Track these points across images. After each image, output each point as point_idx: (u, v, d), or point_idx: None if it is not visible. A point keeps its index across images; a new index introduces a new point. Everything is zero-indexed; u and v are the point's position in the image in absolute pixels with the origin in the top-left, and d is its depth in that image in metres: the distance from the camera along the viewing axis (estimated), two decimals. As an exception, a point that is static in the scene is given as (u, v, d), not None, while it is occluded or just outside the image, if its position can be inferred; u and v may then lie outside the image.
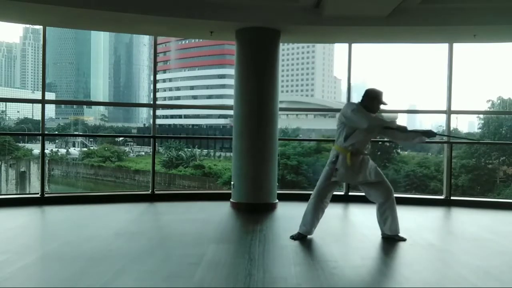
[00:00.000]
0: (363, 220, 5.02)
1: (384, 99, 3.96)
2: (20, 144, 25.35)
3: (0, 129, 31.17)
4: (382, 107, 4.03)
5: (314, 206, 4.03)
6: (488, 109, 18.98)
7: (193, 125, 43.34)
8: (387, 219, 4.09)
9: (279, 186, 6.05)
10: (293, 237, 4.04)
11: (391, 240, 4.06)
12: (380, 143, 20.89)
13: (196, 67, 49.00)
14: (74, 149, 31.80)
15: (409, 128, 4.01)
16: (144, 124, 49.36)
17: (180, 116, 44.82)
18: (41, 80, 5.97)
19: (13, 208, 5.37)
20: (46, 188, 6.86)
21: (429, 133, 3.92)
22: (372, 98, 3.94)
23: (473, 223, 5.11)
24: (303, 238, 4.03)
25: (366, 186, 4.11)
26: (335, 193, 5.08)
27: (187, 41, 46.36)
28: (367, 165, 4.00)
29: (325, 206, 4.09)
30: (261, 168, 5.62)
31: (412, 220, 5.09)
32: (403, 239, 4.05)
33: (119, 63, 74.66)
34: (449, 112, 6.26)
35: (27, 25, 56.94)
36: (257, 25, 5.52)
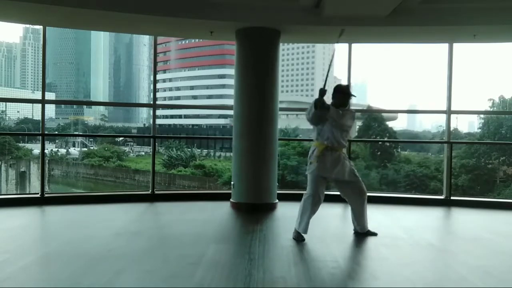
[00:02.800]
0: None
1: (348, 91, 4.14)
2: (20, 144, 25.35)
3: (0, 129, 31.17)
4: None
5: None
6: (489, 109, 19.00)
7: (193, 125, 43.33)
8: (361, 217, 4.26)
9: (279, 186, 6.05)
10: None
11: (390, 239, 4.06)
12: (380, 143, 20.94)
13: (196, 67, 48.97)
14: (74, 149, 31.79)
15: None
16: (144, 124, 49.33)
17: (180, 116, 44.81)
18: (41, 80, 5.97)
19: (13, 208, 5.37)
20: (46, 188, 6.86)
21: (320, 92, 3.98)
22: (335, 91, 4.11)
23: (473, 223, 5.11)
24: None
25: (341, 185, 4.17)
26: (335, 193, 5.09)
27: (187, 41, 46.32)
28: (343, 163, 4.08)
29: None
30: (261, 168, 5.62)
31: (412, 220, 5.09)
32: (375, 234, 4.25)
33: (119, 63, 74.63)
34: (449, 112, 6.26)
35: (27, 25, 56.92)
36: (257, 25, 5.52)
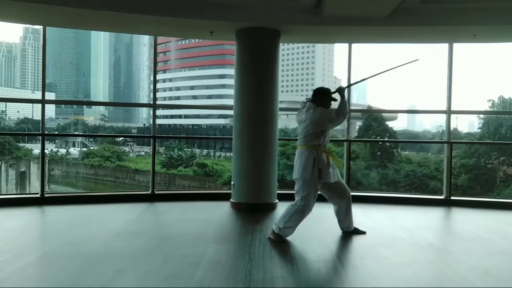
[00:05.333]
0: (363, 220, 5.00)
1: (332, 94, 4.09)
2: (20, 144, 25.34)
3: (0, 129, 31.17)
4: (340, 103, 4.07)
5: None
6: (489, 109, 19.01)
7: (193, 125, 43.32)
8: (347, 216, 4.19)
9: (279, 186, 6.05)
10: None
11: (390, 239, 4.06)
12: (380, 143, 20.94)
13: (196, 67, 48.95)
14: (74, 149, 31.79)
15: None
16: (144, 124, 49.31)
17: (180, 116, 44.79)
18: (41, 80, 5.97)
19: (13, 208, 5.37)
20: (46, 188, 6.87)
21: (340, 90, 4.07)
22: (319, 94, 4.07)
23: (473, 223, 5.11)
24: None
25: (328, 187, 4.06)
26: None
27: (187, 41, 46.31)
28: (333, 164, 4.04)
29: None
30: (261, 168, 5.62)
31: (412, 220, 5.09)
32: (364, 232, 4.24)
33: (119, 63, 74.61)
34: (449, 112, 6.26)
35: (27, 25, 56.93)
36: (257, 25, 5.52)
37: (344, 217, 4.18)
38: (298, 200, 3.91)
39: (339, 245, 3.95)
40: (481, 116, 18.72)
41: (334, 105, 4.11)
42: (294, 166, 4.05)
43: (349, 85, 4.27)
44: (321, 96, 4.07)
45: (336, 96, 4.08)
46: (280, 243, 3.87)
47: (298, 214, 3.91)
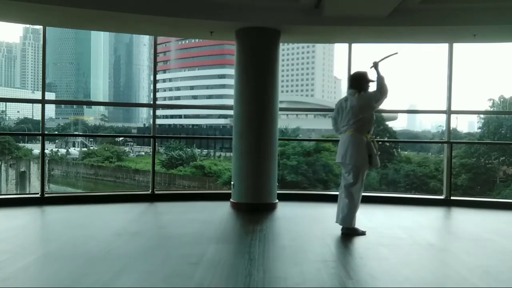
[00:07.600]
0: (363, 221, 5.00)
1: (369, 77, 4.21)
2: (20, 144, 25.38)
3: (0, 129, 31.18)
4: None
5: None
6: (489, 108, 19.01)
7: (193, 125, 43.35)
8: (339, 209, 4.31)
9: (279, 186, 6.05)
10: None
11: (390, 239, 4.07)
12: (380, 143, 20.94)
13: (196, 67, 49.00)
14: (74, 149, 31.82)
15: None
16: (144, 124, 49.40)
17: (180, 116, 44.83)
18: (41, 80, 5.97)
19: (13, 208, 5.37)
20: (46, 188, 6.87)
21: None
22: (356, 79, 4.21)
23: (473, 223, 5.11)
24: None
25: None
26: (335, 193, 5.09)
27: (187, 41, 46.35)
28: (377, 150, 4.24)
29: None
30: (261, 168, 5.62)
31: (412, 220, 5.09)
32: (363, 233, 4.26)
33: (119, 63, 74.70)
34: (449, 112, 6.26)
35: (27, 25, 56.96)
36: (257, 25, 5.52)
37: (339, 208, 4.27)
38: (352, 186, 4.09)
39: (339, 245, 3.94)
40: (481, 116, 18.72)
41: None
42: (340, 150, 4.15)
43: (383, 59, 4.28)
44: (359, 80, 4.19)
45: (372, 73, 4.22)
46: (280, 243, 3.86)
47: (356, 200, 4.11)
